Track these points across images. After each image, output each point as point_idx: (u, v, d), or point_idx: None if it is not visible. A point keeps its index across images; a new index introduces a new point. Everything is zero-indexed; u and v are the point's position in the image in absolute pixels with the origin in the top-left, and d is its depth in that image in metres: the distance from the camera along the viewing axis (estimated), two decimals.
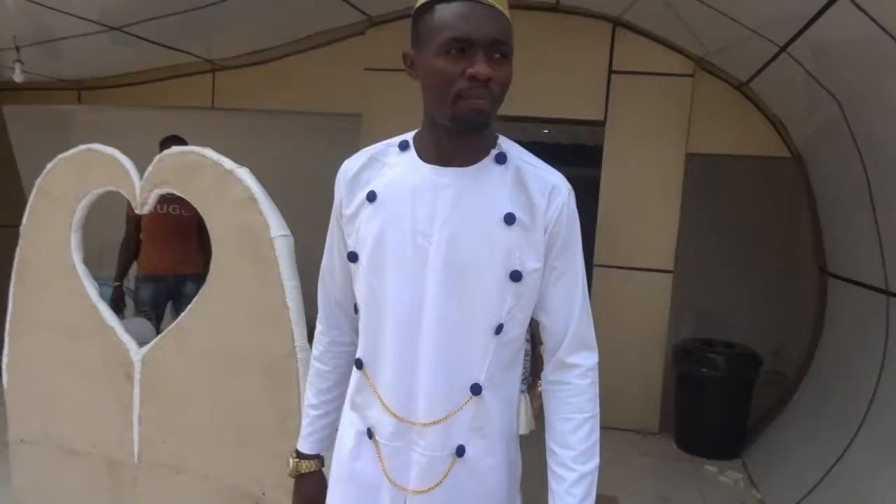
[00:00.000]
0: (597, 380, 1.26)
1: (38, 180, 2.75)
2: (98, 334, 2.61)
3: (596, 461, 1.24)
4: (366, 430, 1.25)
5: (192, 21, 4.09)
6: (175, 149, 2.45)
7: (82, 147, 2.64)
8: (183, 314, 2.47)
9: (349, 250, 1.23)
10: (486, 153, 1.18)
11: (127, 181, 2.53)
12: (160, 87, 5.36)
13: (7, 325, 2.86)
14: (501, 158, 1.18)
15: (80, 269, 2.67)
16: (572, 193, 1.22)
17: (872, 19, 2.39)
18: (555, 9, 4.45)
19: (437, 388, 1.18)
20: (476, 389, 1.17)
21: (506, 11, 1.10)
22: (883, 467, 3.03)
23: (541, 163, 1.22)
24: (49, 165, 2.72)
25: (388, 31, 4.65)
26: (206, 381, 2.35)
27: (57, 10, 3.66)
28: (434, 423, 1.18)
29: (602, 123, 4.59)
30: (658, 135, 4.48)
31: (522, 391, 2.65)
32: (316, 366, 1.40)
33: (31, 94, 5.58)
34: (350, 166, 1.25)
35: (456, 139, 1.15)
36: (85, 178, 2.63)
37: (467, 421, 1.19)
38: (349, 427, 1.29)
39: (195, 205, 2.39)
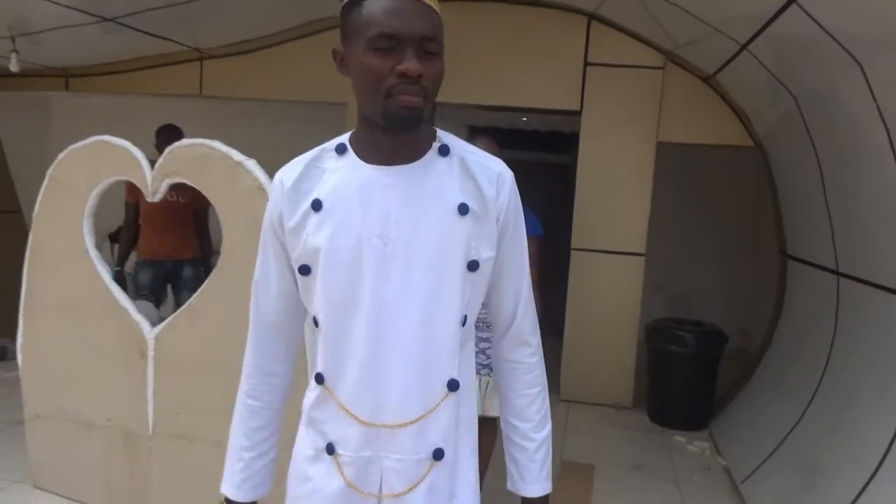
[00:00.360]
0: (542, 354, 1.32)
1: (50, 169, 2.90)
2: (112, 315, 2.80)
3: (549, 426, 1.31)
4: (325, 445, 1.19)
5: (182, 11, 4.20)
6: (185, 141, 2.63)
7: (94, 138, 2.80)
8: (195, 296, 2.66)
9: (300, 264, 1.17)
10: (429, 147, 1.17)
11: (138, 171, 2.70)
12: (148, 74, 5.45)
13: (21, 307, 3.02)
14: (444, 150, 1.17)
15: (94, 253, 2.85)
16: (514, 179, 1.22)
17: (818, 24, 2.64)
18: (533, 2, 4.64)
19: (409, 388, 1.15)
20: (453, 385, 1.17)
21: (435, 7, 1.08)
22: (832, 433, 3.33)
23: (481, 152, 1.22)
24: (61, 155, 2.87)
25: None
26: (217, 357, 2.54)
27: (50, 1, 3.77)
28: (407, 423, 1.15)
29: (578, 113, 4.81)
30: (631, 124, 4.72)
31: (489, 374, 2.66)
32: (247, 403, 1.29)
33: (17, 80, 5.62)
34: (286, 176, 1.19)
35: (394, 136, 1.13)
36: (97, 167, 2.79)
37: (444, 420, 1.18)
38: (307, 447, 1.23)
39: (206, 194, 2.58)
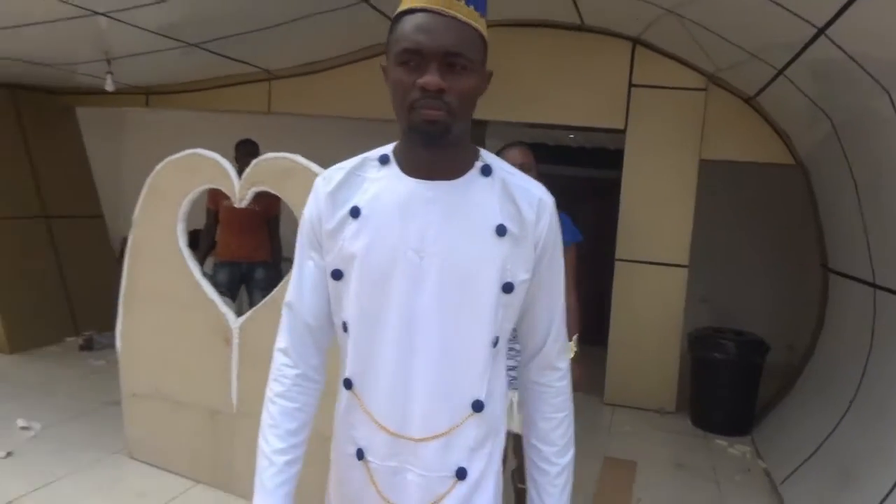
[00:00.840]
0: (570, 380, 1.31)
1: (149, 178, 3.30)
2: (201, 306, 3.16)
3: (572, 452, 1.31)
4: (355, 451, 1.21)
5: (257, 37, 4.63)
6: (269, 155, 2.98)
7: (188, 151, 3.19)
8: (276, 289, 3.01)
9: (333, 268, 1.18)
10: (471, 166, 1.17)
11: (228, 180, 3.07)
12: (220, 92, 5.91)
13: (120, 299, 3.42)
14: (487, 171, 1.17)
15: (186, 252, 3.22)
16: (555, 205, 1.22)
17: (846, 53, 2.84)
18: (580, 28, 4.92)
19: (434, 403, 1.15)
20: (478, 406, 1.16)
21: (472, 22, 1.08)
22: (866, 439, 3.47)
23: (523, 175, 1.21)
24: (158, 166, 3.27)
25: None
26: None
27: (142, 29, 4.21)
28: (431, 438, 1.15)
29: (623, 131, 5.06)
30: (674, 142, 4.94)
31: (515, 388, 2.77)
32: (281, 404, 1.26)
33: (102, 97, 6.16)
34: (327, 181, 1.21)
35: (431, 151, 1.13)
36: (191, 177, 3.17)
37: (469, 440, 1.17)
38: (341, 452, 1.25)
39: (287, 202, 2.92)
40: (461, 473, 1.18)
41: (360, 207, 1.16)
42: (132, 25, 4.03)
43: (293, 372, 1.26)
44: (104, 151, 6.90)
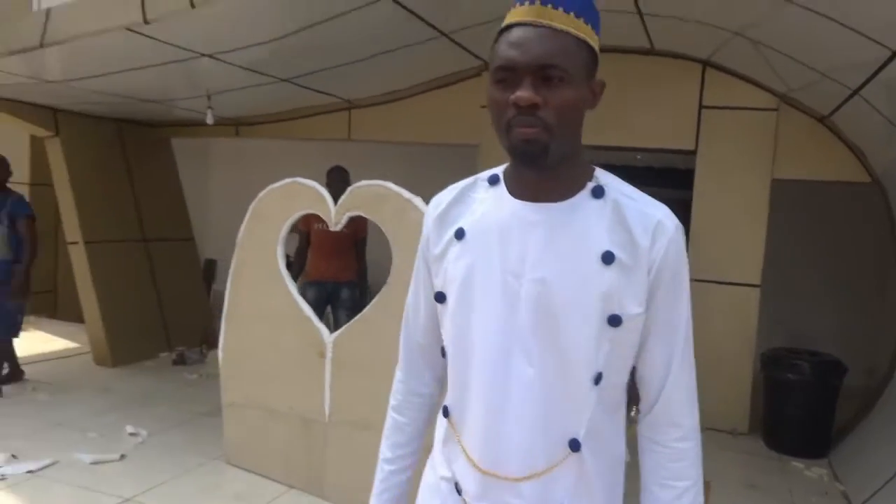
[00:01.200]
0: (699, 441, 1.13)
1: (253, 204, 3.60)
2: (298, 323, 3.42)
3: None
4: (454, 484, 1.16)
5: (341, 72, 4.95)
6: (364, 182, 3.23)
7: (288, 180, 3.48)
8: (368, 307, 3.24)
9: (436, 290, 1.16)
10: (582, 187, 1.09)
11: (325, 206, 3.34)
12: (302, 122, 6.29)
13: (224, 315, 3.72)
14: (598, 192, 1.08)
15: (284, 273, 3.49)
16: (681, 230, 1.09)
17: None
18: (650, 52, 5.05)
19: (531, 441, 1.08)
20: (575, 445, 1.07)
21: (571, 30, 1.01)
22: None
23: (644, 197, 1.11)
24: (261, 194, 3.57)
25: None
26: (385, 358, 3.05)
27: (240, 67, 4.58)
28: (528, 478, 1.08)
29: (693, 152, 5.13)
30: (745, 162, 4.97)
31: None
32: (393, 417, 1.30)
33: (195, 129, 6.66)
34: (439, 202, 1.20)
35: (535, 172, 1.07)
36: (291, 203, 3.46)
37: (570, 482, 1.08)
38: (435, 479, 1.21)
39: (381, 226, 3.16)
40: None
41: (465, 229, 1.13)
42: (231, 65, 4.40)
43: (404, 388, 1.30)
44: (190, 179, 7.40)
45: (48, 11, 3.81)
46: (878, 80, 3.42)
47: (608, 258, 1.04)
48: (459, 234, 1.13)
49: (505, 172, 1.15)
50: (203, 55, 4.20)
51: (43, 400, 4.76)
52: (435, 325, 1.21)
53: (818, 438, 4.69)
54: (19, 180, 5.82)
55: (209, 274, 7.92)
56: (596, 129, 5.22)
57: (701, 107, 5.06)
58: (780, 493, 4.03)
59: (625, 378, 1.11)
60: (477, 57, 5.27)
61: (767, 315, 5.10)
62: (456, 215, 1.16)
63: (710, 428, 5.01)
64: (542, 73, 1.00)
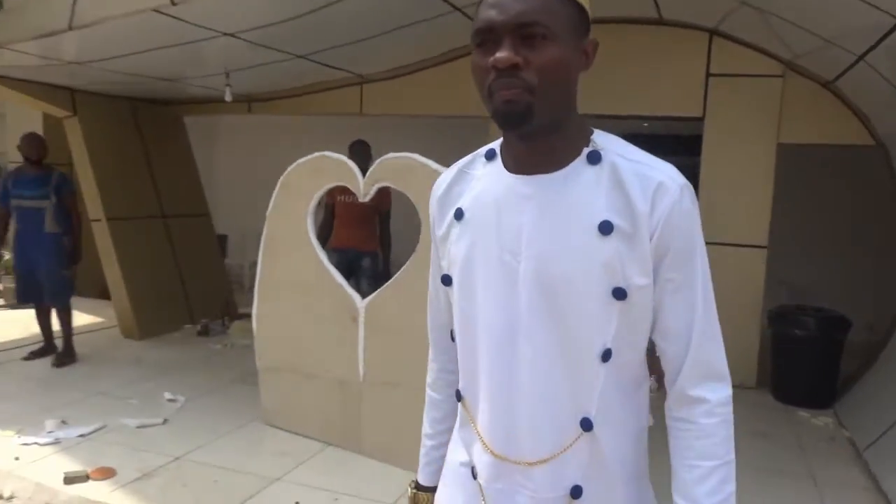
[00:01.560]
0: (729, 417, 1.05)
1: (282, 178, 3.75)
2: (330, 290, 3.60)
3: None
4: (471, 469, 1.14)
5: (355, 48, 5.06)
6: (391, 155, 3.38)
7: (316, 154, 3.62)
8: (399, 272, 3.41)
9: (443, 273, 1.14)
10: (577, 154, 1.02)
11: (354, 179, 3.49)
12: (315, 97, 6.40)
13: (256, 285, 3.89)
14: (594, 158, 1.01)
15: (314, 242, 3.65)
16: (688, 190, 1.01)
17: None
18: (658, 22, 5.15)
19: (540, 422, 1.04)
20: (586, 425, 1.02)
21: None
22: None
23: (647, 157, 1.03)
24: (290, 168, 3.71)
25: None
26: (415, 321, 3.23)
27: (256, 44, 4.69)
28: (541, 462, 1.05)
29: (701, 118, 5.26)
30: (751, 128, 5.11)
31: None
32: (429, 394, 1.31)
33: (207, 107, 6.78)
34: (440, 183, 1.16)
35: (525, 141, 1.02)
36: (320, 176, 3.61)
37: (583, 462, 1.04)
38: (454, 463, 1.20)
39: (410, 197, 3.31)
40: (576, 492, 1.05)
41: (464, 209, 1.10)
42: (251, 42, 4.52)
43: (435, 366, 1.30)
44: (197, 157, 7.52)
45: None
46: (883, 46, 3.55)
47: (606, 228, 0.98)
48: (459, 215, 1.10)
49: (501, 147, 1.10)
50: (225, 34, 4.31)
51: (81, 371, 4.97)
52: (448, 310, 1.20)
53: (824, 390, 4.90)
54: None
55: (221, 249, 8.10)
56: (604, 98, 5.40)
57: (708, 75, 5.18)
58: (788, 440, 4.24)
59: (638, 357, 1.05)
60: None
61: (773, 276, 5.27)
62: (456, 195, 1.13)
63: None
64: (523, 32, 0.94)
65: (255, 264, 3.93)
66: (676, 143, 7.22)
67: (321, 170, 3.61)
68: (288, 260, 3.73)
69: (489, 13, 0.96)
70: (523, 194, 1.02)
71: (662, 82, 5.22)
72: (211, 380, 4.85)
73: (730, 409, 1.05)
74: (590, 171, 1.01)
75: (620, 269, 0.98)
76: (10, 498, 3.08)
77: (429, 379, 1.31)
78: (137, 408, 4.21)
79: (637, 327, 1.02)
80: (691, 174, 5.35)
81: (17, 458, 3.42)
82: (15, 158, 7.25)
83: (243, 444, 3.75)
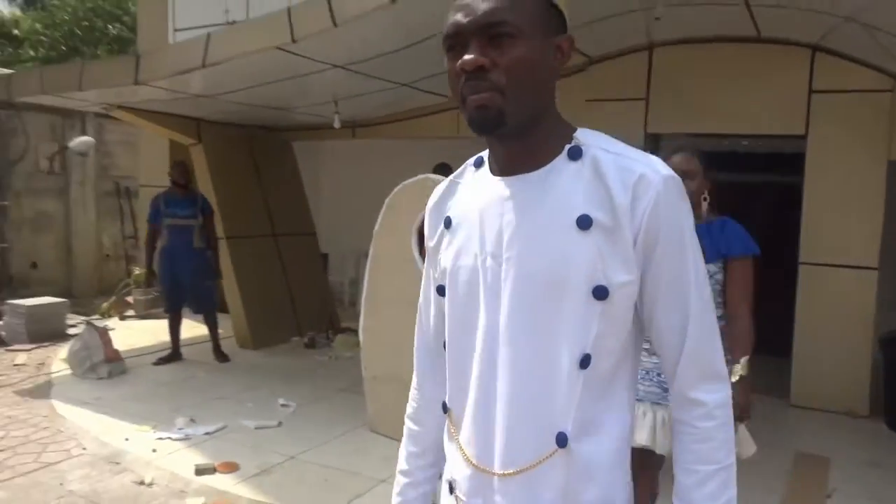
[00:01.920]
0: (729, 420, 1.01)
1: (388, 199, 4.01)
2: None
3: None
4: (448, 483, 1.12)
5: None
6: None
7: (421, 176, 3.86)
8: None
9: (437, 284, 1.13)
10: (559, 151, 1.00)
11: None
12: (415, 122, 6.71)
13: (363, 301, 4.16)
14: (575, 153, 0.99)
15: (419, 259, 3.88)
16: (674, 182, 0.97)
17: None
18: (757, 39, 5.11)
19: (514, 432, 1.00)
20: (561, 440, 0.97)
21: None
22: None
23: (630, 150, 1.00)
24: (396, 189, 3.96)
25: (604, 68, 5.62)
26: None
27: (364, 74, 5.03)
28: (513, 473, 1.00)
29: (804, 136, 5.15)
30: (859, 144, 4.96)
31: (661, 404, 2.24)
32: (408, 426, 1.25)
33: (314, 133, 7.24)
34: (433, 195, 1.16)
35: (503, 144, 1.01)
36: (423, 197, 3.83)
37: (558, 481, 0.99)
38: (442, 480, 1.18)
39: None
40: None
41: (452, 217, 1.09)
42: (360, 73, 4.86)
43: (418, 394, 1.25)
44: (305, 178, 7.99)
45: (208, 36, 4.37)
46: None
47: (584, 222, 0.95)
48: (447, 223, 1.10)
49: (489, 152, 1.09)
50: (335, 66, 4.67)
51: (202, 377, 5.42)
52: (442, 324, 1.15)
53: None
54: (160, 183, 6.49)
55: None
56: (704, 117, 5.39)
57: (811, 91, 5.08)
58: None
59: (617, 365, 1.01)
60: (583, 54, 5.51)
61: (885, 299, 5.06)
62: (447, 205, 1.13)
63: (826, 410, 5.05)
64: (490, 33, 0.93)
65: (354, 281, 4.20)
66: (774, 162, 7.05)
67: (424, 191, 3.83)
68: (392, 276, 3.98)
69: (456, 17, 0.96)
70: (504, 196, 1.01)
71: (763, 100, 5.16)
72: (319, 388, 5.17)
73: (729, 410, 1.02)
74: (571, 168, 0.99)
75: (601, 266, 0.95)
76: (151, 484, 3.46)
77: (409, 409, 1.26)
78: (254, 411, 4.57)
79: (618, 330, 0.98)
80: (790, 193, 5.28)
81: (154, 451, 3.82)
82: (146, 182, 8.00)
83: (351, 447, 4.01)
